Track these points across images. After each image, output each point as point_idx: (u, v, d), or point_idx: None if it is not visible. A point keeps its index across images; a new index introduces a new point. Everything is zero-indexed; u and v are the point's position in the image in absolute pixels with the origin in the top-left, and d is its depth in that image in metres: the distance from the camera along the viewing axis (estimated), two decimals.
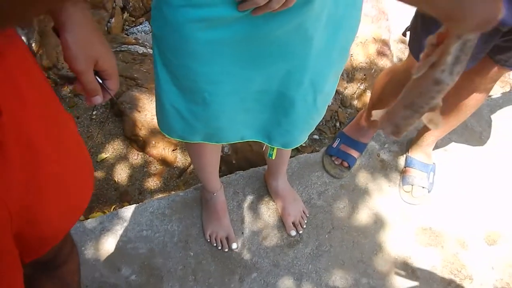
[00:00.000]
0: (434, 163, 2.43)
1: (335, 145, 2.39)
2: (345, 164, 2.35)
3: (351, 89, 2.84)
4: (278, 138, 1.59)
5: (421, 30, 1.72)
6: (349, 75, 2.87)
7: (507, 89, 3.04)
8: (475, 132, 2.65)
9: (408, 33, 1.83)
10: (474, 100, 2.03)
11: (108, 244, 2.10)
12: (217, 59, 1.22)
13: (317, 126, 2.71)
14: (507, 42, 1.63)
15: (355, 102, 2.80)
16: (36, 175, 0.91)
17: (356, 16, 1.37)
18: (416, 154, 2.40)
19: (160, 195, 2.34)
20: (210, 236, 2.11)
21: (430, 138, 2.33)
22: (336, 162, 2.35)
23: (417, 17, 1.75)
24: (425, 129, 2.32)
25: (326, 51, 1.32)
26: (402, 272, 2.17)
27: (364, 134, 2.38)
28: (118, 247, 2.10)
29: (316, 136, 2.65)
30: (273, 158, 1.80)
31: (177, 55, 1.23)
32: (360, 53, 2.93)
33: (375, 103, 2.22)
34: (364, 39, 3.00)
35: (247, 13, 1.08)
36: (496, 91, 3.01)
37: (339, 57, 1.41)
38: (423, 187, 2.34)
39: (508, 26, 1.50)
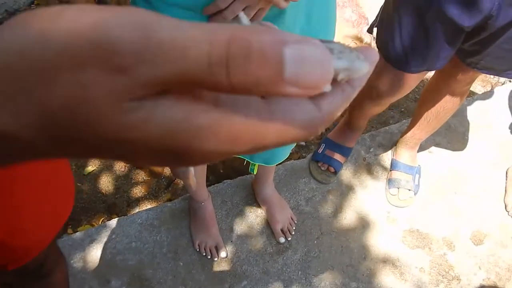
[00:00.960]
0: (419, 165, 2.45)
1: (320, 150, 2.41)
2: (331, 169, 2.36)
3: None
4: (258, 156, 1.60)
5: (386, 27, 1.75)
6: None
7: (488, 88, 3.07)
8: (458, 133, 2.68)
9: (374, 30, 1.85)
10: (451, 103, 2.07)
11: (97, 257, 2.09)
12: None
13: None
14: (474, 46, 1.66)
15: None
16: (13, 192, 0.92)
17: (330, 31, 1.38)
18: (401, 157, 2.42)
19: (149, 206, 2.34)
20: (199, 245, 2.12)
21: (413, 139, 2.35)
22: (323, 168, 2.37)
23: (382, 14, 1.78)
24: (408, 130, 2.34)
25: None
26: (391, 275, 2.19)
27: (348, 139, 2.40)
28: (107, 259, 2.09)
29: (302, 143, 2.67)
30: (255, 173, 1.81)
31: None
32: None
33: (352, 107, 2.24)
34: (346, 43, 3.02)
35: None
36: (478, 90, 3.04)
37: None
38: (409, 190, 2.36)
39: (469, 26, 1.53)
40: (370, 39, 3.04)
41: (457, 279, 2.21)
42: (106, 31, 0.23)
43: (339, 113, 0.28)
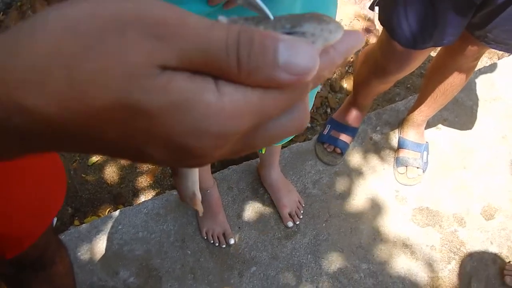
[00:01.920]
0: (427, 142, 2.41)
1: (325, 131, 2.37)
2: (338, 150, 2.33)
3: (339, 73, 2.81)
4: None
5: (390, 3, 1.69)
6: None
7: (495, 60, 3.01)
8: (466, 107, 2.63)
9: (376, 7, 1.80)
10: (459, 79, 2.02)
11: (104, 248, 2.08)
12: None
13: None
14: (482, 18, 1.61)
15: (345, 86, 2.77)
16: (8, 183, 0.93)
17: (331, 8, 1.34)
18: (408, 135, 2.38)
19: (154, 195, 2.33)
20: (206, 233, 2.10)
21: (420, 117, 2.31)
22: (329, 150, 2.33)
23: None
24: (415, 108, 2.30)
25: None
26: (402, 255, 2.16)
27: (353, 118, 2.36)
28: (114, 250, 2.08)
29: (308, 124, 2.63)
30: (263, 152, 1.78)
31: None
32: None
33: (358, 86, 2.20)
34: (349, 20, 2.96)
35: (219, 7, 1.06)
36: (484, 62, 2.99)
37: None
38: (417, 168, 2.33)
39: None
40: (373, 16, 2.99)
41: (468, 255, 2.19)
42: (148, 6, 0.27)
43: (326, 74, 0.31)
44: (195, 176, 0.80)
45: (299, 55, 0.28)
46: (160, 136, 0.28)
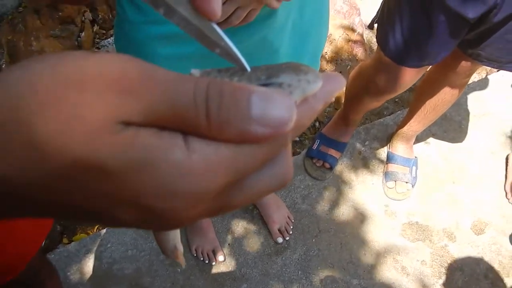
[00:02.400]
0: (416, 157, 2.42)
1: (314, 146, 2.37)
2: (327, 165, 2.33)
3: None
4: None
5: (386, 22, 1.70)
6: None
7: (483, 75, 3.04)
8: (455, 122, 2.64)
9: (375, 25, 1.81)
10: (450, 95, 2.02)
11: (94, 267, 2.06)
12: None
13: None
14: (475, 37, 1.61)
15: (333, 101, 2.78)
16: None
17: (324, 24, 1.34)
18: (397, 149, 2.39)
19: None
20: (196, 250, 2.09)
21: (410, 132, 2.32)
22: (318, 164, 2.33)
23: (383, 9, 1.73)
24: (404, 123, 2.31)
25: (295, 61, 1.29)
26: (393, 270, 2.16)
27: (343, 133, 2.36)
28: (104, 269, 2.06)
29: (296, 138, 2.63)
30: None
31: None
32: (334, 49, 2.91)
33: (349, 101, 2.20)
34: (338, 35, 2.98)
35: None
36: (473, 77, 3.00)
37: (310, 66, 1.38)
38: (406, 182, 2.33)
39: (473, 18, 1.49)
40: (361, 30, 3.00)
41: (459, 270, 2.19)
42: (111, 61, 0.25)
43: (306, 123, 0.30)
44: (176, 229, 0.78)
45: (274, 106, 0.26)
46: (127, 198, 0.26)
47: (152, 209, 0.27)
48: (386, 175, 2.36)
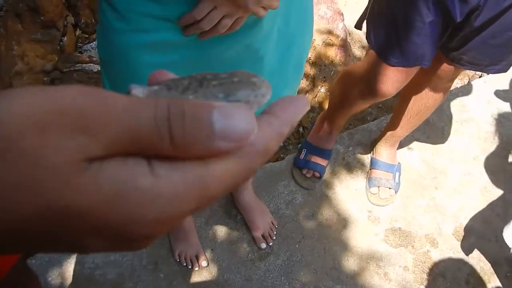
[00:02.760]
0: (399, 163, 2.43)
1: (302, 156, 2.36)
2: (316, 174, 2.33)
3: (311, 92, 2.82)
4: None
5: (378, 19, 1.70)
6: (308, 78, 2.85)
7: (466, 81, 3.06)
8: (437, 127, 2.66)
9: (364, 25, 1.81)
10: (433, 100, 2.04)
11: (76, 272, 2.04)
12: None
13: None
14: (457, 41, 1.63)
15: (317, 106, 2.79)
16: None
17: (308, 32, 1.35)
18: (380, 155, 2.39)
19: None
20: (179, 255, 2.07)
21: (393, 138, 2.33)
22: (308, 175, 2.32)
23: (373, 7, 1.73)
24: (387, 130, 2.32)
25: (279, 70, 1.29)
26: (375, 276, 2.16)
27: (328, 140, 2.36)
28: (86, 275, 2.04)
29: (280, 144, 2.63)
30: None
31: (126, 81, 1.20)
32: (317, 55, 2.92)
33: (335, 105, 2.20)
34: (321, 40, 2.98)
35: (194, 37, 1.05)
36: (455, 83, 3.03)
37: (294, 75, 1.39)
38: (389, 188, 2.34)
39: (456, 21, 1.50)
40: (345, 35, 3.01)
41: (441, 276, 2.20)
42: (67, 97, 0.25)
43: (274, 147, 0.30)
44: None
45: (236, 120, 0.27)
46: (96, 230, 0.26)
47: (121, 236, 0.27)
48: (370, 181, 2.37)
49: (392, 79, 1.79)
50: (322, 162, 2.35)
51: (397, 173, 2.39)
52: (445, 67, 1.84)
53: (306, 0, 1.28)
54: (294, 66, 1.35)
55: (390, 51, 1.69)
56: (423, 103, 2.05)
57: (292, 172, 2.37)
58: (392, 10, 1.63)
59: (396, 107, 2.23)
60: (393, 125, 2.26)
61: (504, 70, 1.74)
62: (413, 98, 2.07)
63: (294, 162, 2.39)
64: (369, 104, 2.11)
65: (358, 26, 1.85)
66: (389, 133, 2.32)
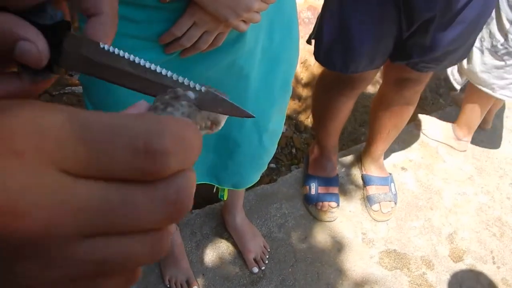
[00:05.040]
0: (390, 174, 2.41)
1: (313, 191, 2.30)
2: (333, 204, 2.28)
3: (304, 113, 2.80)
4: (227, 180, 1.53)
5: (325, 37, 1.74)
6: (301, 99, 2.83)
7: None
8: (431, 148, 2.65)
9: (313, 41, 1.83)
10: (407, 110, 2.10)
11: None
12: None
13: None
14: (413, 49, 1.69)
15: (310, 126, 2.76)
16: None
17: (294, 47, 1.33)
18: (371, 171, 2.39)
19: None
20: (169, 281, 2.03)
21: (377, 151, 2.34)
22: (324, 209, 2.28)
23: (321, 25, 1.76)
24: (370, 144, 2.33)
25: (266, 88, 1.27)
26: None
27: (330, 168, 2.33)
28: None
29: (273, 165, 2.59)
30: (225, 199, 1.75)
31: (109, 105, 1.17)
32: (310, 75, 2.90)
33: (321, 116, 2.18)
34: (314, 61, 2.97)
35: (175, 55, 1.03)
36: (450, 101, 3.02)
37: (281, 93, 1.36)
38: (389, 201, 2.32)
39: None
40: None
41: None
42: (49, 118, 0.23)
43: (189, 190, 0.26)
44: None
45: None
46: None
47: None
48: (369, 199, 2.33)
49: (360, 80, 1.89)
50: (333, 190, 2.32)
51: (392, 184, 2.38)
52: (409, 78, 1.89)
53: (290, 16, 1.26)
54: (281, 84, 1.32)
55: (352, 64, 1.75)
56: (398, 115, 2.11)
57: (309, 210, 2.31)
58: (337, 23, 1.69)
59: (372, 123, 2.25)
60: (373, 140, 2.28)
61: (464, 57, 1.86)
62: (387, 112, 2.11)
63: (306, 200, 2.33)
64: (352, 100, 2.08)
65: (308, 41, 1.88)
66: (372, 148, 2.33)
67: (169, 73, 0.35)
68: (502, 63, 2.16)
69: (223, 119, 0.36)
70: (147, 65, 0.35)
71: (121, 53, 0.35)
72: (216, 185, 1.57)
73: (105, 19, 0.37)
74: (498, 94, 2.25)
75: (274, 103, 1.35)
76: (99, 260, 0.25)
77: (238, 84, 1.19)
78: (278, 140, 1.55)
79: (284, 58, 1.29)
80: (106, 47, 0.35)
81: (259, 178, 1.62)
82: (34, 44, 0.32)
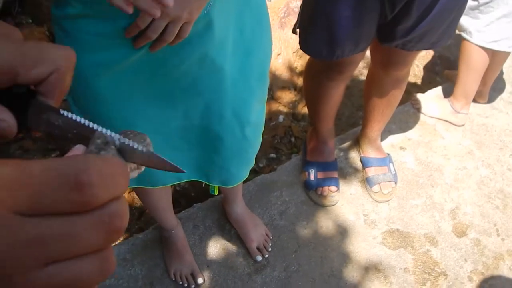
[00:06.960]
0: (388, 154, 2.42)
1: (312, 177, 2.32)
2: (333, 188, 2.29)
3: (301, 102, 2.81)
4: (215, 176, 1.55)
5: (308, 25, 1.76)
6: (296, 87, 2.84)
7: None
8: (429, 125, 2.64)
9: (298, 30, 1.84)
10: (399, 89, 2.11)
11: None
12: (127, 102, 1.17)
13: (272, 143, 2.67)
14: (400, 31, 1.70)
15: (307, 114, 2.77)
16: None
17: (266, 38, 1.34)
18: (368, 152, 2.39)
19: (121, 238, 2.28)
20: (174, 274, 2.05)
21: (374, 132, 2.35)
22: (324, 193, 2.29)
23: (304, 13, 1.78)
24: (365, 125, 2.35)
25: (243, 80, 1.28)
26: (375, 280, 2.13)
27: (328, 152, 2.34)
28: None
29: (273, 155, 2.61)
30: (216, 193, 1.78)
31: (89, 102, 1.19)
32: (304, 63, 2.91)
33: (314, 102, 2.20)
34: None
35: (145, 51, 1.05)
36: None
37: (258, 83, 1.38)
38: (389, 181, 2.33)
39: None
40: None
41: (443, 275, 2.16)
42: None
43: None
44: None
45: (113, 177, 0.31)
46: None
47: None
48: (368, 180, 2.34)
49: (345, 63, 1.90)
50: (332, 175, 2.33)
51: (391, 164, 2.39)
52: (397, 54, 1.89)
53: (258, 8, 1.27)
54: (258, 74, 1.34)
55: (337, 49, 1.77)
56: (391, 94, 2.11)
57: (310, 196, 2.33)
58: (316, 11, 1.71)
59: (366, 104, 2.26)
60: (368, 121, 2.29)
61: (451, 37, 1.84)
62: (379, 92, 2.13)
63: (306, 186, 2.34)
64: (342, 84, 2.09)
65: (294, 30, 1.89)
66: (368, 129, 2.33)
67: (100, 128, 0.39)
68: (475, 3, 2.26)
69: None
70: (86, 123, 0.40)
71: (70, 115, 0.40)
72: (206, 182, 1.59)
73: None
74: (476, 39, 2.34)
75: (253, 94, 1.37)
76: (60, 282, 0.29)
77: (213, 76, 1.20)
78: (261, 133, 1.57)
79: (257, 50, 1.30)
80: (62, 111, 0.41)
81: (247, 175, 1.64)
82: (6, 122, 0.38)
